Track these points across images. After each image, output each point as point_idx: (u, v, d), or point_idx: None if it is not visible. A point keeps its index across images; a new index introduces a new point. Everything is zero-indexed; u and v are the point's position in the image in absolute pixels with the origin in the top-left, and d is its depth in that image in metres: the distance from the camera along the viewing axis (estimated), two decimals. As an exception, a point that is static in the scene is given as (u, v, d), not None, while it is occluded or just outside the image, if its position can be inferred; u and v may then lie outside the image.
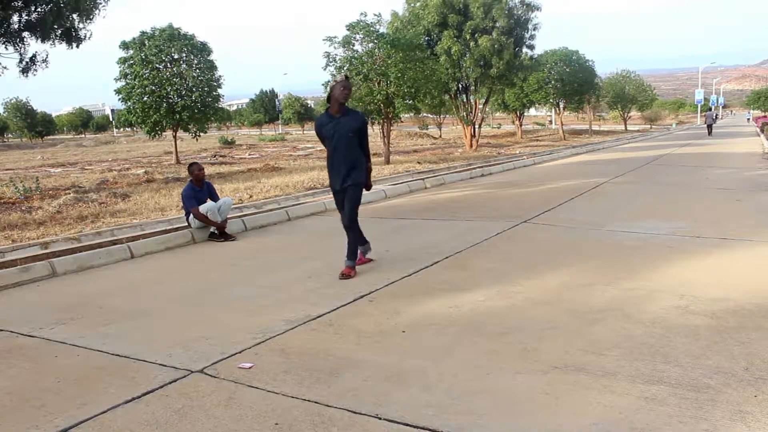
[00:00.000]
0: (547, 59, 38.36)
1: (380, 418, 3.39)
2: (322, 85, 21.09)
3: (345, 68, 20.07)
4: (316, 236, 9.03)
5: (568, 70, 39.08)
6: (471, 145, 27.95)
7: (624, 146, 30.72)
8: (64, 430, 3.45)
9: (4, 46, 9.93)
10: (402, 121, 28.02)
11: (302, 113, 71.01)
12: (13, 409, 3.76)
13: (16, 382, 4.19)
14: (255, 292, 6.11)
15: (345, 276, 6.41)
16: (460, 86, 27.98)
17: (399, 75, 19.16)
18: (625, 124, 60.44)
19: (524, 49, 27.47)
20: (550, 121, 69.23)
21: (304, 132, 66.78)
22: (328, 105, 6.62)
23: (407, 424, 3.31)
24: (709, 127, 42.10)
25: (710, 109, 54.98)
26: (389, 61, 19.64)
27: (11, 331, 5.26)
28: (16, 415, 3.68)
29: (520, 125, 46.44)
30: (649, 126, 66.46)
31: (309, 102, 75.26)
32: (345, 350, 4.41)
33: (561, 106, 43.05)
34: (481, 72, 25.72)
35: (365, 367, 4.08)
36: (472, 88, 27.74)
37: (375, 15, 20.78)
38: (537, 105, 47.20)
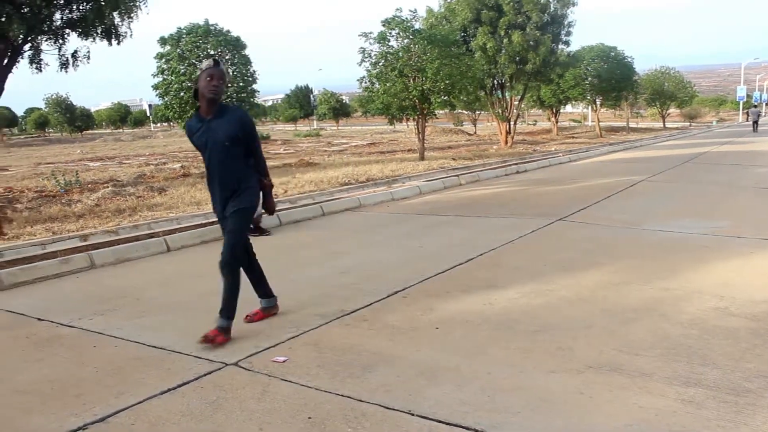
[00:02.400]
0: (584, 55, 37.89)
1: (413, 414, 3.39)
2: (357, 80, 21.16)
3: (380, 64, 20.07)
4: (350, 232, 9.05)
5: (605, 66, 38.58)
6: (506, 142, 27.77)
7: (662, 144, 30.27)
8: (102, 418, 3.52)
9: (46, 42, 10.12)
10: (437, 118, 27.91)
11: (337, 109, 71.15)
12: (54, 397, 3.85)
13: (57, 371, 4.28)
14: (289, 286, 6.13)
15: (208, 339, 4.57)
16: (496, 82, 27.81)
17: (435, 71, 19.09)
18: (664, 122, 59.51)
19: (560, 45, 27.21)
20: (585, 118, 68.46)
21: (339, 128, 66.96)
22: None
23: (440, 421, 3.31)
24: (755, 123, 41.21)
25: (755, 106, 53.76)
26: (425, 57, 19.57)
27: (52, 321, 5.38)
28: (56, 402, 3.77)
29: (556, 122, 46.02)
30: (688, 123, 65.35)
31: (344, 98, 75.34)
32: (378, 346, 4.41)
33: (598, 102, 42.54)
34: (516, 68, 25.55)
35: (398, 363, 4.09)
36: (508, 84, 27.57)
37: (410, 11, 20.75)
38: (573, 102, 46.66)
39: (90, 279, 6.98)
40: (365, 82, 20.94)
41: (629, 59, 40.18)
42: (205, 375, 4.03)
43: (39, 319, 5.48)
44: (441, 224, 9.20)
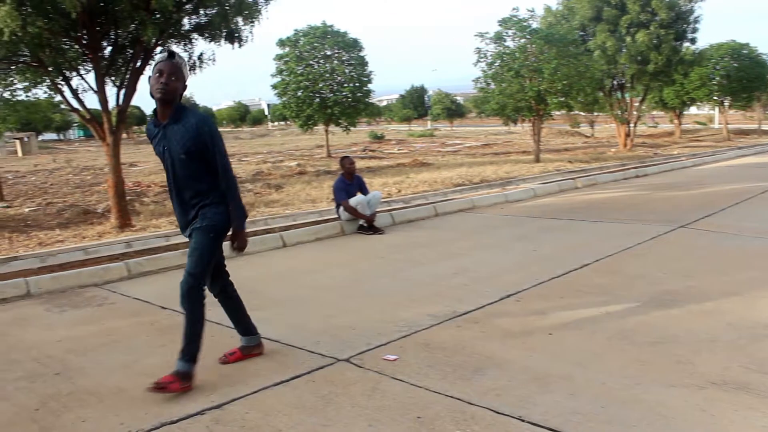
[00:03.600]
0: (711, 54, 35.99)
1: (523, 421, 3.33)
2: (472, 81, 21.05)
3: (496, 64, 19.88)
4: (463, 233, 9.00)
5: (735, 65, 36.51)
6: (625, 145, 26.83)
7: (797, 148, 28.39)
8: (218, 405, 3.67)
9: (175, 45, 10.67)
10: (553, 119, 27.30)
11: (451, 109, 70.85)
12: (176, 384, 4.02)
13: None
14: (401, 285, 6.18)
15: (159, 387, 3.80)
16: (615, 83, 26.90)
17: (552, 71, 18.71)
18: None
19: (685, 43, 25.98)
20: (711, 120, 65.09)
21: (453, 128, 66.71)
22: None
23: (551, 429, 3.23)
24: None
25: None
26: (542, 57, 19.23)
27: (174, 310, 5.64)
28: (177, 387, 3.94)
29: (679, 124, 44.05)
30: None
31: (458, 98, 74.85)
32: (490, 349, 4.37)
33: (726, 104, 40.35)
34: (637, 68, 24.61)
35: (510, 368, 4.03)
36: (628, 85, 26.62)
37: (528, 10, 20.45)
38: (698, 103, 44.40)
39: (210, 271, 7.26)
40: (480, 83, 20.82)
41: (765, 57, 37.84)
42: (316, 369, 4.12)
43: (162, 307, 5.79)
44: (556, 228, 9.00)
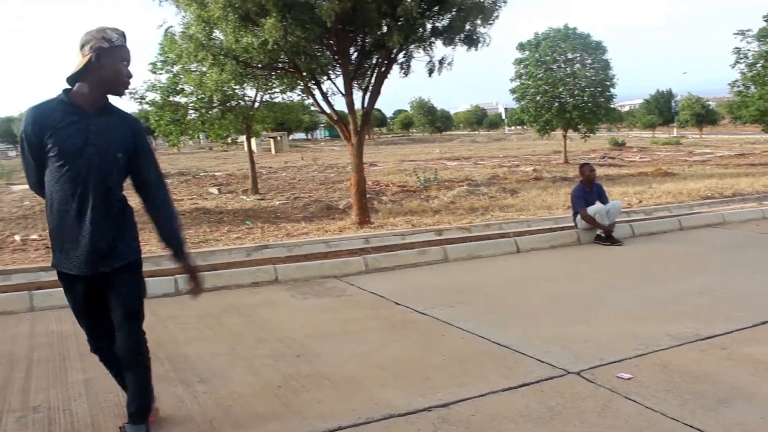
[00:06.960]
0: None
1: (778, 464, 2.99)
2: (728, 84, 19.47)
3: (758, 65, 18.20)
4: (710, 249, 8.31)
5: None
6: None
7: None
8: (445, 404, 3.69)
9: (416, 50, 11.04)
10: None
11: (701, 115, 65.96)
12: (405, 376, 4.16)
13: (409, 353, 4.62)
14: (639, 300, 5.84)
15: None
16: None
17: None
18: None
19: None
20: None
21: (702, 136, 62.07)
22: (70, 88, 3.03)
23: (813, 478, 2.86)
24: None
25: None
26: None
27: (407, 306, 5.83)
28: (406, 381, 4.07)
29: None
30: None
31: (710, 103, 69.40)
32: (738, 379, 3.96)
33: None
34: None
35: (762, 403, 3.62)
36: None
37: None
38: None
39: (443, 271, 7.42)
40: (738, 86, 19.21)
41: None
42: (546, 380, 4.01)
43: (396, 303, 5.99)
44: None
